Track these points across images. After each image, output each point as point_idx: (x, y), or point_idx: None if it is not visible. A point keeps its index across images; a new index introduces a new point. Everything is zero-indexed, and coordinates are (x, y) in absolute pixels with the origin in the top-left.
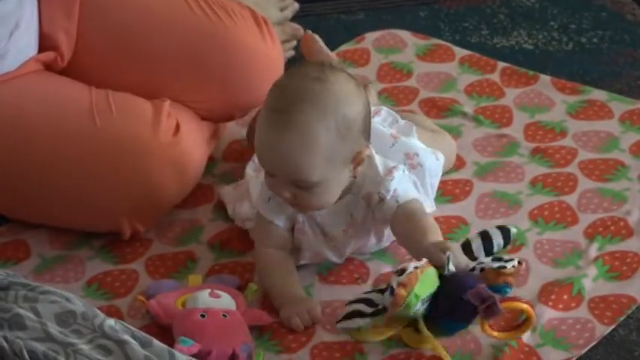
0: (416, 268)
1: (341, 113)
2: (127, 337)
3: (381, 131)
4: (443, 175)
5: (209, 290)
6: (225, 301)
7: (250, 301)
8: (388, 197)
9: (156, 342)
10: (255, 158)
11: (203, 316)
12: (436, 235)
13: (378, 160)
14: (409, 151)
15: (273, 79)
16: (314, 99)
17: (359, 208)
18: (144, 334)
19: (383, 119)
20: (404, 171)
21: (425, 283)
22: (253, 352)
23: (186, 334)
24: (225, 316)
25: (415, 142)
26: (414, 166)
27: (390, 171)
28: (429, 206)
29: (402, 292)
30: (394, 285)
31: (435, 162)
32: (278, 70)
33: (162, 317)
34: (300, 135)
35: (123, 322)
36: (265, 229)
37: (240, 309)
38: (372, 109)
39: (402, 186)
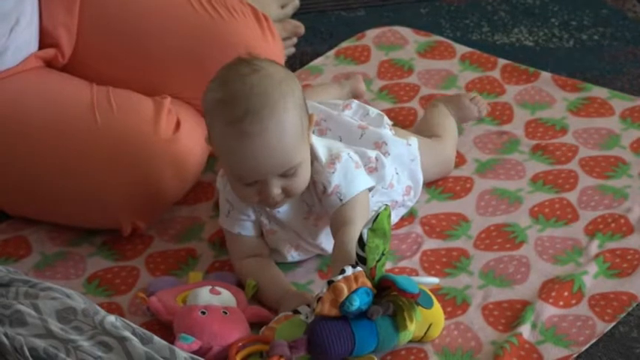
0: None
1: (292, 90)
2: (127, 334)
3: (349, 123)
4: None
5: (209, 287)
6: (225, 297)
7: (250, 297)
8: (329, 191)
9: (156, 338)
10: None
11: (204, 313)
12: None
13: (320, 147)
14: (378, 140)
15: None
16: (266, 90)
17: (311, 196)
18: (144, 330)
19: (354, 112)
20: (349, 155)
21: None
22: None
23: (187, 331)
24: (226, 313)
25: (384, 132)
26: (383, 154)
27: (332, 161)
28: (404, 182)
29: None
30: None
31: (405, 147)
32: None
33: (162, 314)
34: (275, 127)
35: (123, 319)
36: (234, 241)
37: (240, 306)
38: (342, 102)
39: (347, 178)
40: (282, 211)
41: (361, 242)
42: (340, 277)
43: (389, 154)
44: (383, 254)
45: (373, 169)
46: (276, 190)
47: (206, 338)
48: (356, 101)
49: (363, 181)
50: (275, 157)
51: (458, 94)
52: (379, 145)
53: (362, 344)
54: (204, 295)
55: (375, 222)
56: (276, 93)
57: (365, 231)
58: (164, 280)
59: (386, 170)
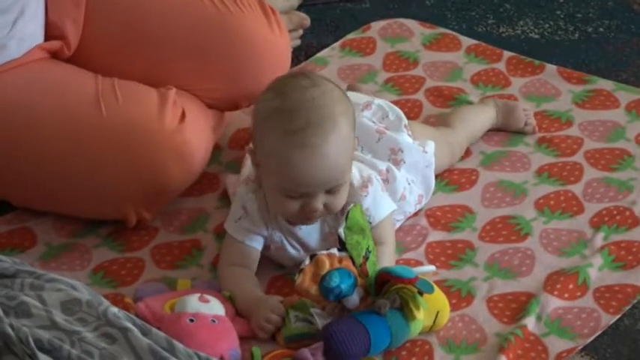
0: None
1: (348, 109)
2: (129, 325)
3: (368, 126)
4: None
5: (198, 295)
6: (214, 306)
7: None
8: None
9: (155, 330)
10: (238, 184)
11: (192, 320)
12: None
13: (354, 167)
14: (394, 147)
15: (280, 68)
16: (327, 104)
17: (335, 218)
18: (143, 322)
19: (373, 113)
20: (377, 179)
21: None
22: (240, 357)
23: (175, 338)
24: (215, 321)
25: (402, 138)
26: (397, 161)
27: (365, 185)
28: (416, 191)
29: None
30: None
31: (421, 155)
32: (285, 59)
33: (150, 320)
34: (334, 142)
35: (125, 311)
36: (231, 247)
37: (228, 315)
38: (364, 101)
39: (375, 201)
40: (304, 228)
41: (341, 243)
42: (325, 252)
43: (404, 162)
44: (369, 251)
45: (384, 180)
46: (319, 205)
47: (194, 346)
48: (376, 101)
49: (388, 204)
50: (329, 171)
51: (515, 102)
52: (395, 151)
53: (377, 340)
54: (193, 303)
55: (348, 219)
56: (337, 109)
57: (341, 231)
58: (152, 287)
59: (397, 183)
